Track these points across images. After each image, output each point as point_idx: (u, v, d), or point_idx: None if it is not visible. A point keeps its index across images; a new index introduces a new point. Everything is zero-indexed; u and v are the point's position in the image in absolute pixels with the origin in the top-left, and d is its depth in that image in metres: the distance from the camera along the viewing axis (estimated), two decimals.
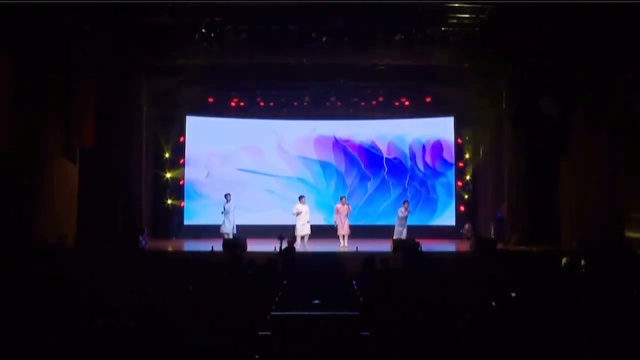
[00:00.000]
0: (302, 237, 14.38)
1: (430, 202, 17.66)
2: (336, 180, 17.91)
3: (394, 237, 14.38)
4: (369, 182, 17.86)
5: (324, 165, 17.96)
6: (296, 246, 14.18)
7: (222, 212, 14.89)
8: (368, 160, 17.95)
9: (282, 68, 15.76)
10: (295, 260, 9.69)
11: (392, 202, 17.25)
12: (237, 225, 14.98)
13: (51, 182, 13.06)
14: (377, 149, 17.97)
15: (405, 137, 17.88)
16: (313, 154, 17.97)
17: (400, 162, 17.88)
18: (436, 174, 17.74)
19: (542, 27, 12.71)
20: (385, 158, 17.93)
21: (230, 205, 14.87)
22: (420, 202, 17.54)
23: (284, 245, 11.86)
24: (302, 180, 17.80)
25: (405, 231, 14.70)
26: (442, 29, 13.82)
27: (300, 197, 14.92)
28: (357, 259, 10.44)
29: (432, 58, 14.80)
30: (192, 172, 17.40)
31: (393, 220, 15.21)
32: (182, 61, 15.00)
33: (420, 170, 17.80)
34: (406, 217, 14.87)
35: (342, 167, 17.97)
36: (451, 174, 17.56)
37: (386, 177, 17.88)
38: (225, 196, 15.06)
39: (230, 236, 14.42)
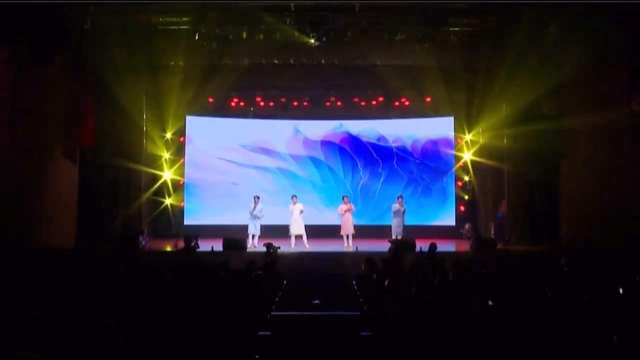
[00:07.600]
0: (297, 237, 14.32)
1: (429, 202, 17.62)
2: (337, 180, 17.88)
3: (392, 234, 14.37)
4: (370, 182, 17.83)
5: (324, 165, 17.93)
6: (294, 246, 14.12)
7: (250, 214, 14.55)
8: (368, 160, 17.92)
9: (282, 68, 15.75)
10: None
11: (392, 202, 17.20)
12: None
13: (51, 182, 13.06)
14: (377, 149, 17.93)
15: (405, 137, 17.85)
16: (313, 154, 17.94)
17: (400, 161, 17.85)
18: (436, 174, 17.71)
19: (542, 26, 12.71)
20: (385, 158, 17.90)
21: (258, 208, 14.56)
22: (419, 202, 17.51)
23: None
24: (302, 179, 17.78)
25: (401, 227, 14.62)
26: (442, 29, 13.81)
27: (293, 197, 14.81)
28: (357, 259, 10.45)
29: (432, 58, 14.80)
30: (192, 172, 17.37)
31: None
32: (182, 61, 15.01)
33: (420, 170, 17.78)
34: (402, 213, 14.77)
35: (342, 167, 17.94)
36: (451, 174, 17.53)
37: (386, 177, 17.86)
38: (254, 199, 14.70)
39: (256, 238, 14.26)
